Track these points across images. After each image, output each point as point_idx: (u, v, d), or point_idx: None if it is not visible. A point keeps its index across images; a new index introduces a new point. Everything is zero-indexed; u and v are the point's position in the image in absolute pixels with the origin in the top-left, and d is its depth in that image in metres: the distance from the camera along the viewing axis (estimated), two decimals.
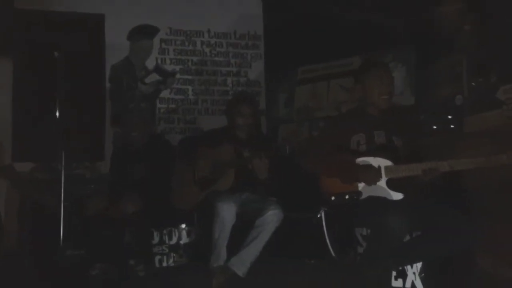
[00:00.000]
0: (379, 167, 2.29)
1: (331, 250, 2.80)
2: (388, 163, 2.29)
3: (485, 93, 3.14)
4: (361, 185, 2.32)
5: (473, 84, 3.31)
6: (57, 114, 3.09)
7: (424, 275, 2.39)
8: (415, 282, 2.40)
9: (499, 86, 3.03)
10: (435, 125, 3.48)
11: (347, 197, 2.30)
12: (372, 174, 2.27)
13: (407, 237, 2.36)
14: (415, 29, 3.78)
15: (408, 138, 2.40)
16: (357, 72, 2.55)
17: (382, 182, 2.29)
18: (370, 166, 2.29)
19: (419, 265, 2.37)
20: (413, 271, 2.39)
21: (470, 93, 3.30)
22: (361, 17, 4.04)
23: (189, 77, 4.38)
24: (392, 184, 2.29)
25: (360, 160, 2.33)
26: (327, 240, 2.70)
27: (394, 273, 2.41)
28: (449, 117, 3.47)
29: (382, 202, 2.27)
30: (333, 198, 2.32)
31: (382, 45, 3.99)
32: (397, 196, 2.28)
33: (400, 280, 2.42)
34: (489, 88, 3.13)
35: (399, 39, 3.93)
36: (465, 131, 3.21)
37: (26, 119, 3.40)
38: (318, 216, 2.41)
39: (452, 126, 3.43)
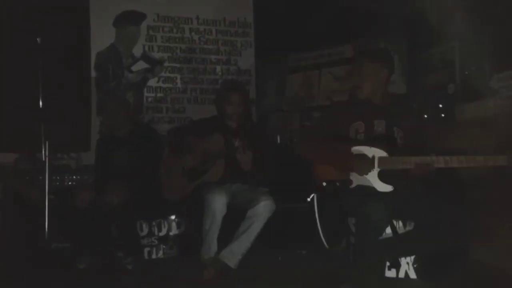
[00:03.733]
0: (373, 157, 2.25)
1: (323, 240, 2.77)
2: (383, 153, 2.25)
3: (478, 81, 3.12)
4: (353, 174, 2.28)
5: (466, 72, 3.28)
6: (41, 103, 3.00)
7: (418, 265, 2.37)
8: (408, 272, 2.39)
9: (492, 75, 3.01)
10: (426, 114, 3.45)
11: (338, 184, 2.27)
12: (364, 164, 2.23)
13: (402, 229, 2.34)
14: (407, 16, 3.73)
15: (410, 130, 2.34)
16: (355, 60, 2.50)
17: (374, 173, 2.24)
18: (363, 156, 2.25)
19: None
20: (407, 261, 2.38)
21: (463, 81, 3.28)
22: (352, 5, 3.98)
23: (178, 65, 4.28)
24: (384, 176, 2.24)
25: (355, 149, 2.28)
26: (319, 230, 2.66)
27: (387, 264, 2.39)
28: (440, 106, 3.44)
29: (367, 192, 2.22)
30: (324, 184, 2.30)
31: (373, 33, 3.94)
32: (386, 188, 2.23)
33: (393, 270, 2.40)
34: (482, 76, 3.10)
35: (391, 27, 3.88)
36: (457, 120, 3.18)
37: (9, 108, 3.30)
38: (309, 200, 2.38)
39: (442, 115, 3.41)
